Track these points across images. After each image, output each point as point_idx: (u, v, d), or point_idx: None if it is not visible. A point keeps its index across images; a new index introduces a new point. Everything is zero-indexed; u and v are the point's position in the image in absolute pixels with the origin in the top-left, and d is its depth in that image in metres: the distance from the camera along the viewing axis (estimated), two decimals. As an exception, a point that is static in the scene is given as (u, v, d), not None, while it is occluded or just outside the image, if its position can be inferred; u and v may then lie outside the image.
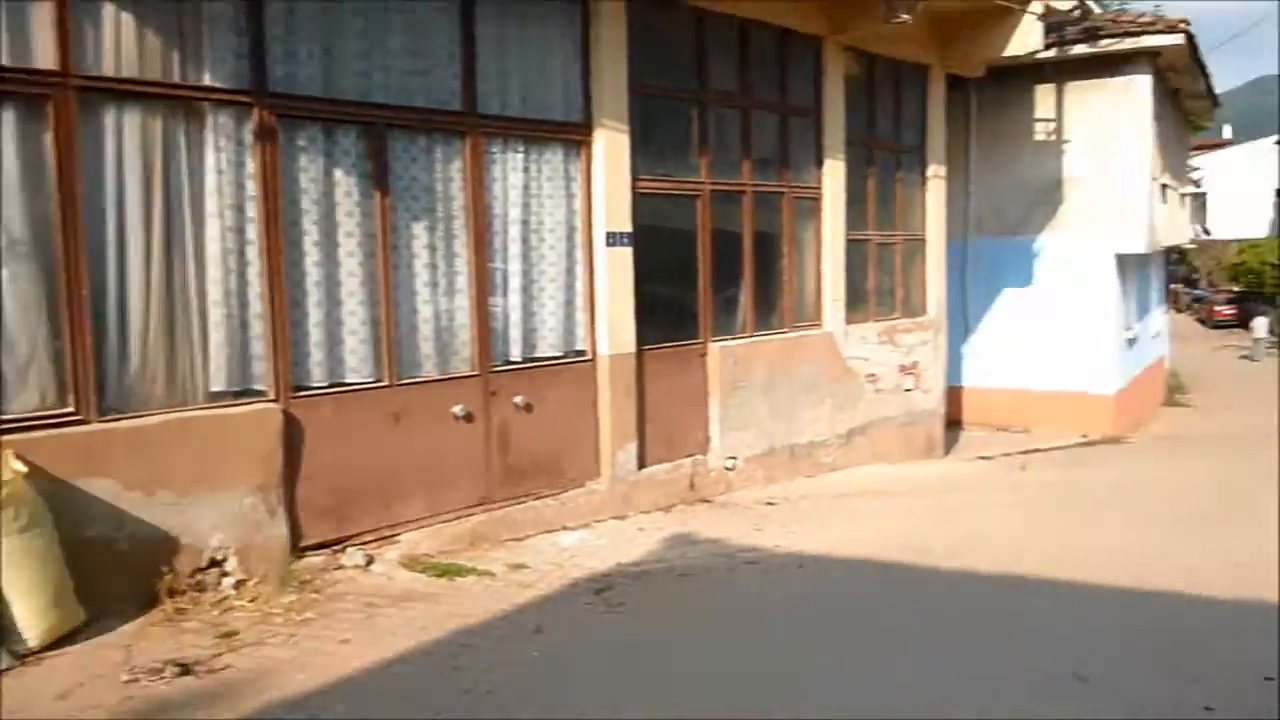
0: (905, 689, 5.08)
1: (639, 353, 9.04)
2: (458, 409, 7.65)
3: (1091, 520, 9.62)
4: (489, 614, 6.17)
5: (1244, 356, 36.83)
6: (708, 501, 9.73)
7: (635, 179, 8.96)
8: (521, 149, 8.10)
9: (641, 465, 9.15)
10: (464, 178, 7.72)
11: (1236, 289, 52.35)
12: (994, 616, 6.42)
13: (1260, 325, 39.27)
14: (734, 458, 10.15)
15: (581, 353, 8.67)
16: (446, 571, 6.99)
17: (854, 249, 11.85)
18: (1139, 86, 15.66)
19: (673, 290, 9.77)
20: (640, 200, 9.02)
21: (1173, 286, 47.66)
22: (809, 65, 11.12)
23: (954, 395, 15.40)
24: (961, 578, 7.35)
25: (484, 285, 7.85)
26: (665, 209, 9.55)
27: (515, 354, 8.14)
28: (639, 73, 8.93)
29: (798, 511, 9.50)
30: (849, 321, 11.74)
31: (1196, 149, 48.96)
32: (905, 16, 10.55)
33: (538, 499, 8.25)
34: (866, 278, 12.28)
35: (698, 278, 9.87)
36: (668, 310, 9.62)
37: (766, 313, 10.73)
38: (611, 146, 8.64)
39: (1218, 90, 21.63)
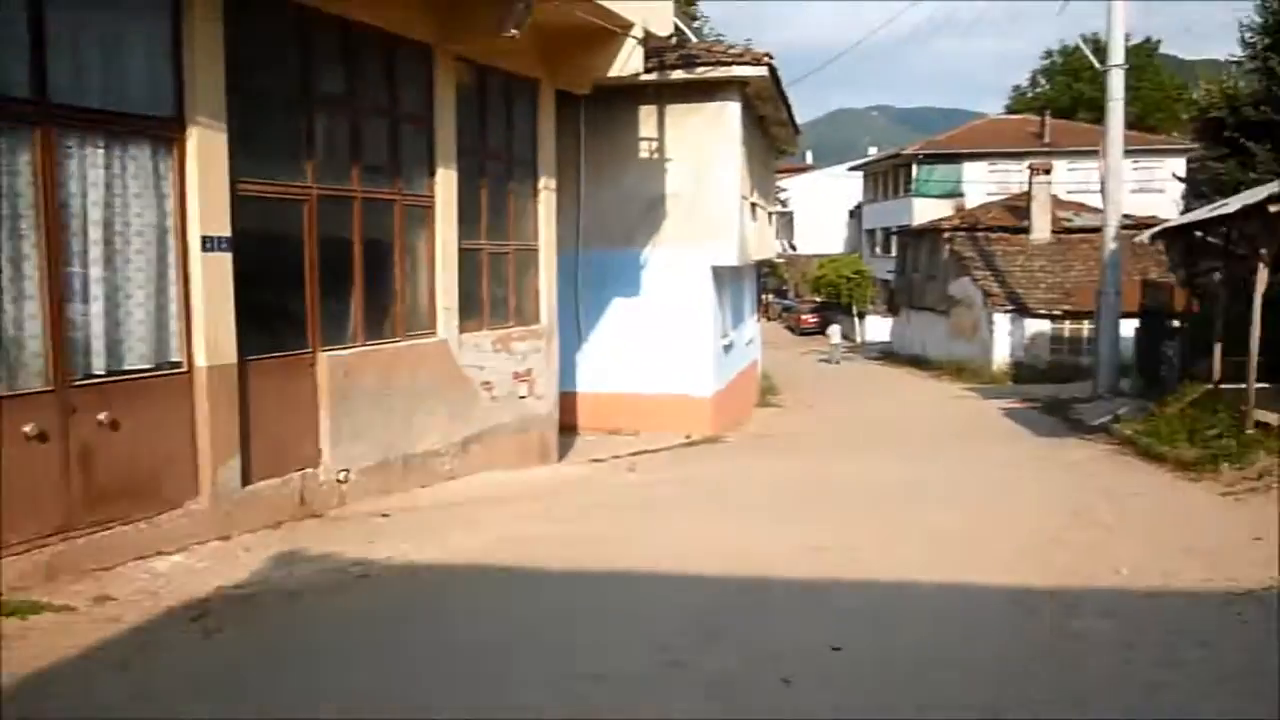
0: (491, 694, 5.19)
1: (242, 364, 8.59)
2: (29, 428, 6.91)
3: (691, 515, 10.29)
4: (67, 654, 5.62)
5: (823, 360, 41.01)
6: (319, 516, 9.42)
7: (236, 181, 8.51)
8: (102, 144, 7.46)
9: (246, 482, 8.70)
10: (33, 172, 6.98)
11: (819, 299, 57.99)
12: (592, 613, 6.71)
13: (834, 332, 43.98)
14: (347, 470, 9.90)
15: (176, 364, 8.10)
16: (17, 611, 6.29)
17: (467, 258, 11.94)
18: (730, 112, 16.96)
19: (279, 298, 9.38)
20: (242, 204, 8.58)
21: (765, 297, 52.04)
22: (420, 73, 11.09)
23: (568, 401, 15.94)
24: (570, 577, 7.62)
25: (59, 292, 7.14)
26: (270, 214, 9.15)
27: (99, 367, 7.47)
28: (240, 71, 8.50)
29: (413, 522, 9.42)
30: (463, 330, 11.82)
31: (783, 172, 53.82)
32: (515, 32, 10.78)
33: (128, 524, 7.62)
34: (481, 286, 12.41)
35: (305, 285, 9.53)
36: (274, 319, 9.23)
37: (379, 321, 10.56)
38: (207, 146, 8.15)
39: (800, 120, 23.89)
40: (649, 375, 17.13)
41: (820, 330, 50.16)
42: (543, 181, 13.68)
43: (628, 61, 13.32)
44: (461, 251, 11.71)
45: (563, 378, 14.84)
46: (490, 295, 12.62)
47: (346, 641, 6.12)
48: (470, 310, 12.09)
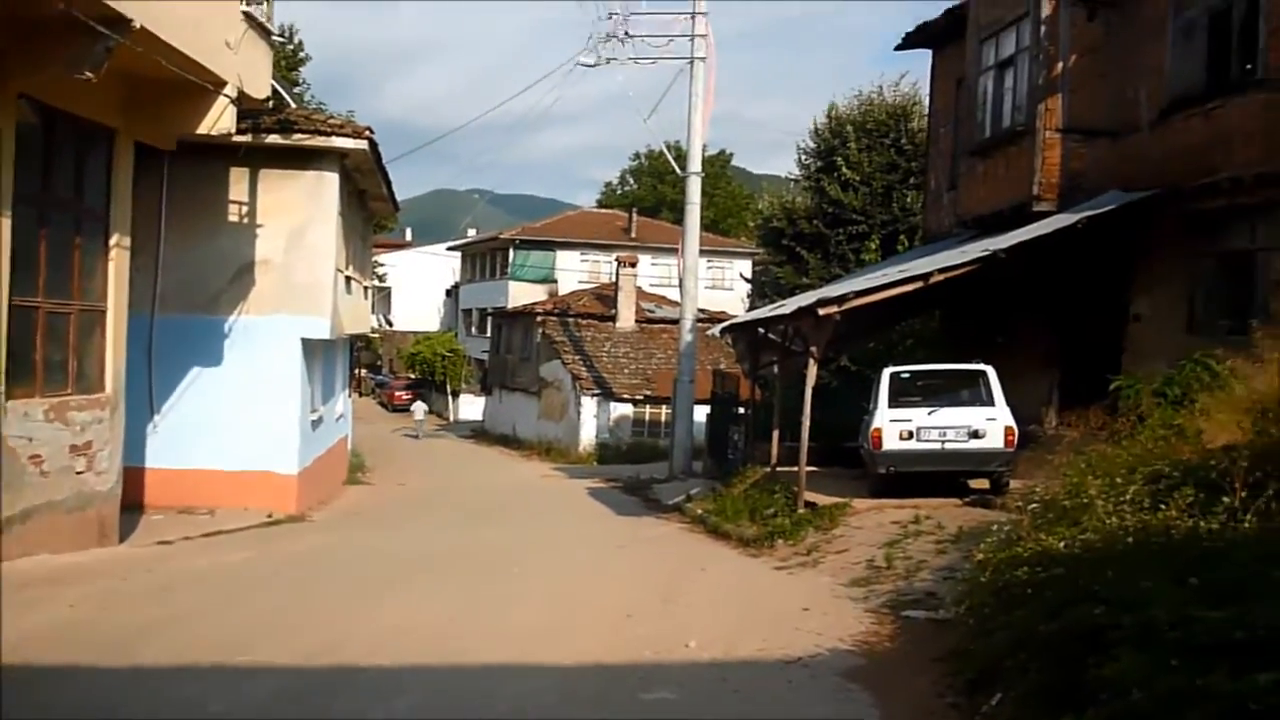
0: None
1: None
2: None
3: (259, 599, 9.72)
4: None
5: (408, 435, 40.87)
6: None
7: None
8: None
9: None
10: None
11: (414, 376, 57.69)
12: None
13: (419, 409, 44.01)
14: None
15: None
16: None
17: (21, 315, 10.69)
18: (328, 182, 16.60)
19: None
20: None
21: (358, 372, 50.97)
22: (-28, 107, 9.91)
23: (136, 476, 14.59)
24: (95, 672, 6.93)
25: None
26: None
27: None
28: None
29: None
30: (11, 396, 10.52)
31: (382, 247, 53.44)
32: (90, 74, 9.94)
33: None
34: (35, 348, 11.14)
35: None
36: None
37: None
38: None
39: (401, 196, 23.89)
40: (230, 450, 16.07)
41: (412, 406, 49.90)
42: (115, 238, 12.59)
43: (219, 120, 12.67)
44: (13, 308, 10.47)
45: (132, 451, 13.61)
46: (46, 358, 11.35)
47: None
48: (21, 374, 10.79)
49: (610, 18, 24.36)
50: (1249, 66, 12.92)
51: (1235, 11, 13.11)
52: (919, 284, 14.08)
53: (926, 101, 21.11)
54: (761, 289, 33.61)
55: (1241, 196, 12.96)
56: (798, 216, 30.63)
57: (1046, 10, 14.83)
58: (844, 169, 29.61)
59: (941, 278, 14.00)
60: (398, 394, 56.24)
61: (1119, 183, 14.74)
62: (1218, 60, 13.47)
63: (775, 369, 19.22)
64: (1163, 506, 7.35)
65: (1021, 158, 15.28)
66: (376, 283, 50.61)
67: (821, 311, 13.81)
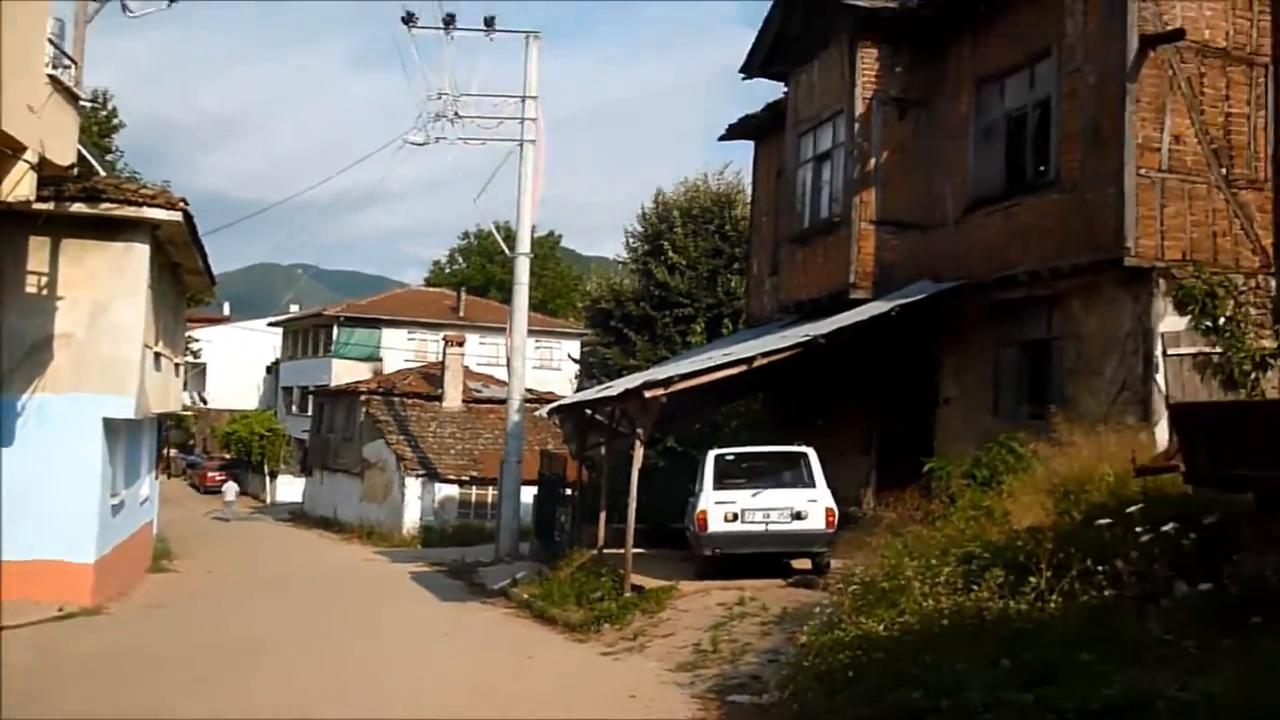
0: None
1: None
2: None
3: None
4: None
5: (218, 517, 39.01)
6: None
7: None
8: None
9: None
10: None
11: (228, 456, 55.23)
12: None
13: (230, 490, 42.08)
14: None
15: None
16: None
17: None
18: (137, 255, 15.83)
19: None
20: None
21: (168, 452, 48.52)
22: None
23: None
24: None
25: None
26: None
27: None
28: None
29: None
30: None
31: (197, 321, 51.41)
32: None
33: None
34: None
35: None
36: None
37: None
38: None
39: (221, 269, 23.05)
40: (19, 537, 14.87)
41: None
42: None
43: (17, 186, 11.98)
44: None
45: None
46: None
47: None
48: None
49: (440, 97, 24.32)
50: (1042, 169, 13.88)
51: (1030, 118, 14.09)
52: (743, 367, 14.36)
53: (749, 190, 21.81)
54: (589, 370, 33.73)
55: (1038, 288, 13.79)
56: (625, 298, 31.02)
57: (860, 108, 15.57)
58: (670, 253, 30.22)
59: (764, 361, 14.32)
60: (210, 475, 53.63)
61: (929, 273, 15.48)
62: (1015, 162, 14.42)
63: (603, 450, 19.20)
64: (975, 587, 7.60)
65: (839, 247, 15.89)
66: (190, 359, 48.60)
67: (648, 394, 13.89)
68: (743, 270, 28.29)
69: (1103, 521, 7.45)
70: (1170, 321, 12.38)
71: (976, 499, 11.44)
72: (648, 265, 30.87)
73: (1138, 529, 6.98)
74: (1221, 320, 12.36)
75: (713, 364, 14.58)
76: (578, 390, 29.45)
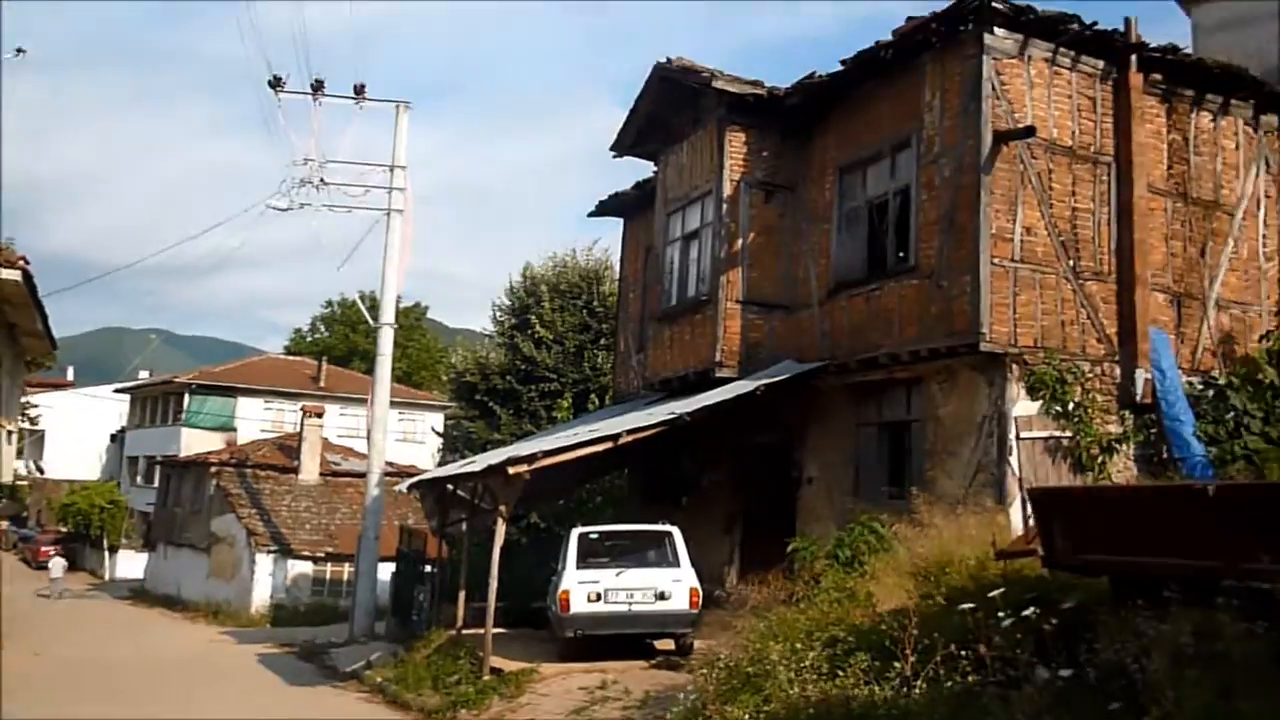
0: None
1: None
2: None
3: None
4: None
5: (43, 594, 36.60)
6: None
7: None
8: None
9: None
10: None
11: (65, 529, 52.16)
12: None
13: (57, 566, 39.41)
14: None
15: None
16: None
17: None
18: (-29, 315, 14.90)
19: None
20: None
21: (-2, 525, 45.57)
22: None
23: None
24: None
25: None
26: None
27: None
28: None
29: None
30: None
31: (36, 386, 48.74)
32: None
33: None
34: None
35: None
36: None
37: None
38: None
39: (65, 332, 21.88)
40: None
41: (64, 562, 44.90)
42: None
43: None
44: None
45: None
46: None
47: None
48: None
49: (306, 163, 23.80)
50: (903, 255, 14.26)
51: (891, 205, 14.51)
52: (608, 444, 14.22)
53: (618, 266, 21.89)
54: (453, 443, 33.11)
55: (898, 371, 14.10)
56: (491, 372, 30.67)
57: (728, 190, 15.81)
58: (538, 327, 30.09)
59: (630, 439, 14.21)
60: (44, 550, 50.45)
61: (794, 353, 15.69)
62: (877, 247, 14.81)
63: (464, 526, 18.73)
64: (840, 672, 7.53)
65: (705, 325, 15.98)
66: (27, 425, 45.94)
67: (511, 470, 13.61)
68: (610, 346, 28.39)
69: (965, 606, 7.49)
70: (1023, 406, 12.76)
71: (840, 581, 11.47)
72: (514, 339, 30.65)
73: (1000, 613, 7.03)
74: (1071, 405, 12.80)
75: (578, 440, 14.39)
76: (440, 464, 28.83)
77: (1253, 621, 5.61)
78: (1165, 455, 13.08)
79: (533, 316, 30.38)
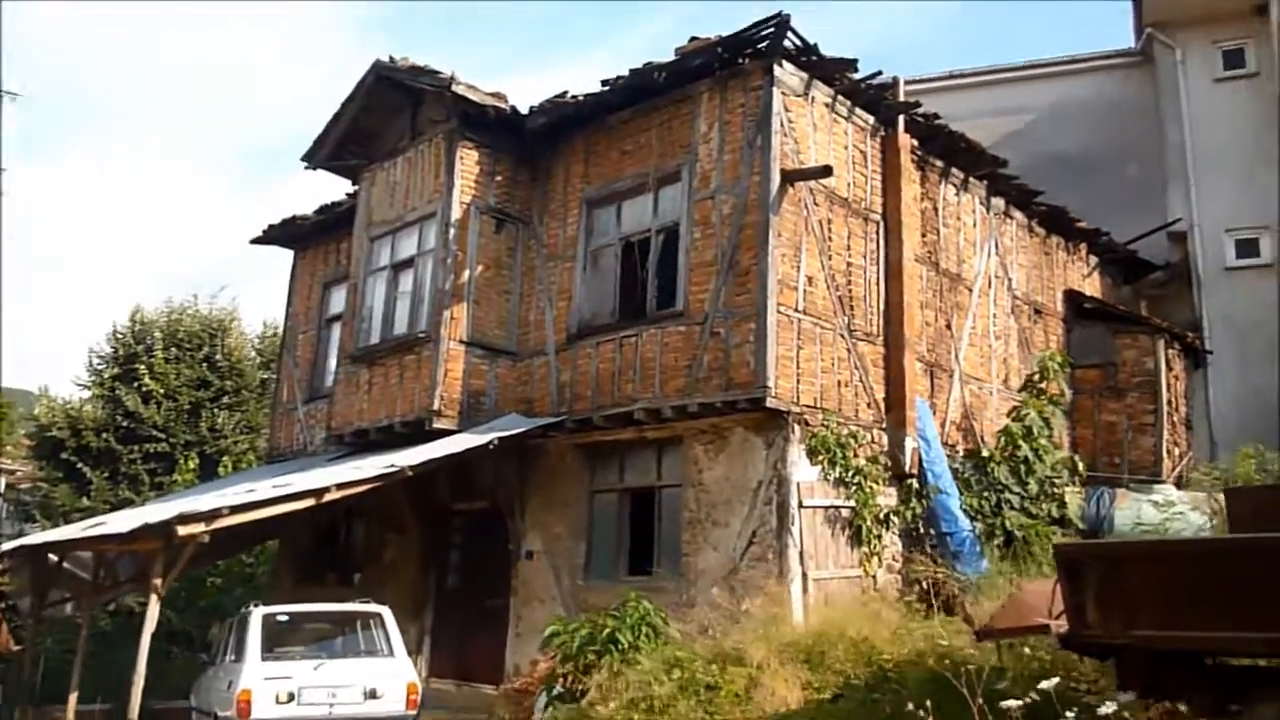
0: None
1: None
2: None
3: None
4: None
5: None
6: None
7: None
8: None
9: None
10: None
11: None
12: None
13: None
14: None
15: None
16: None
17: None
18: None
19: None
20: None
21: None
22: None
23: None
24: None
25: None
26: None
27: None
28: None
29: None
30: None
31: None
32: None
33: None
34: None
35: None
36: None
37: None
38: None
39: None
40: None
41: None
42: None
43: None
44: None
45: None
46: None
47: None
48: None
49: None
50: (667, 298, 12.60)
51: (654, 242, 12.91)
52: (311, 501, 11.30)
53: (286, 302, 18.58)
54: (26, 512, 27.16)
55: (651, 429, 12.43)
56: (85, 428, 25.52)
57: (456, 213, 13.55)
58: (147, 379, 25.49)
59: (340, 495, 11.39)
60: None
61: (519, 405, 13.64)
62: (632, 289, 13.11)
63: (69, 609, 14.57)
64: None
65: (421, 368, 13.44)
66: None
67: (182, 531, 10.34)
68: (232, 406, 25.03)
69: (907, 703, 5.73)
70: (804, 470, 11.48)
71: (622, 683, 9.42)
72: (116, 391, 25.78)
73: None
74: (851, 472, 11.71)
75: (273, 495, 11.29)
76: (19, 535, 23.23)
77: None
78: (930, 530, 12.34)
79: (141, 366, 25.69)
